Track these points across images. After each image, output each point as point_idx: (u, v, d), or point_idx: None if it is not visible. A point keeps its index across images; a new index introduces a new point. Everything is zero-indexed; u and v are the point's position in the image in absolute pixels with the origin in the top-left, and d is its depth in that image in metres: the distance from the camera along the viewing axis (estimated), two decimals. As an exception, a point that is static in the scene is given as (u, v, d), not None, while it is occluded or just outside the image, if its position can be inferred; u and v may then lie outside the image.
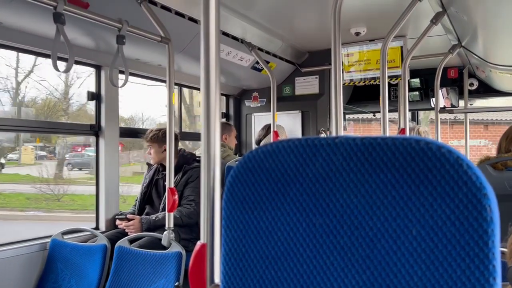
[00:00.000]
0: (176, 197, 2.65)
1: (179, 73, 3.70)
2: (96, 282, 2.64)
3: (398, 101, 4.25)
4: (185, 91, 8.03)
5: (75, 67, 3.36)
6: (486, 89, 4.66)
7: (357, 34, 3.73)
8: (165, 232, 2.63)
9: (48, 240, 2.83)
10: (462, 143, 4.69)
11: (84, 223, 3.25)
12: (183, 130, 4.33)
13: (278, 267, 0.74)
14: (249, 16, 3.33)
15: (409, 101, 4.30)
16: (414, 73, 4.71)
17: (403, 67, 2.99)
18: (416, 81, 4.74)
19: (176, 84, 3.89)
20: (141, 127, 8.28)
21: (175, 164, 3.18)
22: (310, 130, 4.47)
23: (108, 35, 2.62)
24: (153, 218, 3.07)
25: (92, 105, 3.26)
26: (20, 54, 2.80)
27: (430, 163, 0.61)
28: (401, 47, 3.80)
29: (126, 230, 3.03)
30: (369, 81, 4.07)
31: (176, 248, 2.57)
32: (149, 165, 3.50)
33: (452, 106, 4.56)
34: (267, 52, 3.98)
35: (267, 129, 4.09)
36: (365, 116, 6.65)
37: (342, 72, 4.05)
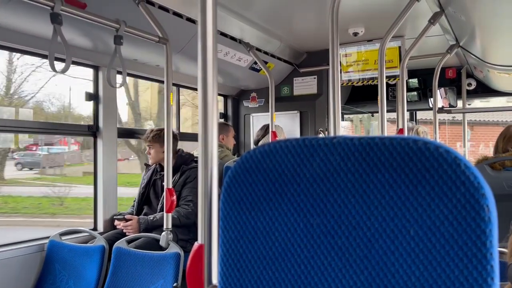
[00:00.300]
0: (174, 197, 2.64)
1: (177, 73, 3.69)
2: (94, 283, 2.64)
3: (396, 101, 4.26)
4: (131, 86, 7.77)
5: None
6: (484, 89, 4.67)
7: (355, 34, 3.73)
8: (163, 233, 2.62)
9: (46, 241, 2.82)
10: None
11: (9, 228, 3.14)
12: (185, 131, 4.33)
13: (275, 267, 0.74)
14: (247, 16, 3.33)
15: (407, 101, 4.30)
16: (412, 73, 4.72)
17: (401, 67, 2.99)
18: (414, 81, 4.74)
19: (174, 84, 3.89)
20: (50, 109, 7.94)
21: (173, 165, 3.18)
22: (309, 130, 4.48)
23: (106, 35, 2.62)
24: (151, 218, 3.07)
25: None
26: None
27: (428, 163, 0.61)
28: (399, 47, 3.81)
29: (124, 230, 3.03)
30: (367, 81, 4.07)
31: (174, 248, 2.56)
32: (147, 165, 3.50)
33: (450, 106, 4.57)
34: (265, 53, 3.98)
35: (265, 129, 4.09)
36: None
37: (340, 73, 4.05)
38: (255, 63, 3.95)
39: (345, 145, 0.68)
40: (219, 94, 4.71)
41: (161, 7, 2.76)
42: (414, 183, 0.62)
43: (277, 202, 0.74)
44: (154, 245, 2.72)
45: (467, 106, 4.74)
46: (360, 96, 5.08)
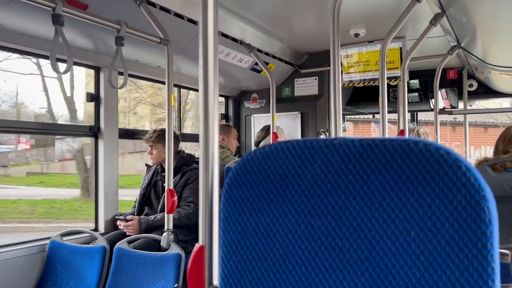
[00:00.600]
0: (175, 198, 2.64)
1: (179, 74, 3.69)
2: (95, 284, 2.64)
3: (397, 102, 4.25)
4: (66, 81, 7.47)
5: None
6: (486, 90, 4.67)
7: (356, 35, 3.73)
8: (164, 234, 2.62)
9: (47, 241, 2.82)
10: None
11: None
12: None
13: (276, 269, 0.74)
14: (248, 17, 3.33)
15: (408, 102, 4.30)
16: (413, 74, 4.71)
17: (402, 68, 2.99)
18: (415, 82, 4.74)
19: (175, 85, 3.89)
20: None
21: (174, 166, 3.18)
22: (310, 131, 4.47)
23: (107, 36, 2.62)
24: (152, 218, 3.07)
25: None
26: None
27: (429, 165, 0.61)
28: (400, 48, 3.80)
29: (125, 230, 3.03)
30: (369, 82, 4.07)
31: (175, 249, 2.56)
32: (148, 166, 3.50)
33: (452, 107, 4.57)
34: (266, 54, 3.98)
35: (266, 130, 4.09)
36: (365, 116, 6.64)
37: (341, 73, 4.05)
38: (256, 64, 3.95)
39: (345, 146, 0.68)
40: (220, 95, 4.71)
41: (162, 8, 2.76)
42: (414, 185, 0.62)
43: (277, 204, 0.74)
44: (155, 246, 2.72)
45: (468, 107, 4.74)
46: (361, 97, 5.08)
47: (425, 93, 4.74)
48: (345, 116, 5.51)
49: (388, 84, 3.81)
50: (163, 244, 2.61)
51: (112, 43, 2.43)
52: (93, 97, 3.22)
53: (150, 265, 2.58)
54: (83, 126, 3.26)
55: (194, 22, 3.02)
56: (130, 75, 3.17)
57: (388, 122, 2.61)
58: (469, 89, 4.63)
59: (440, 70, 3.73)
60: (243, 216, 0.77)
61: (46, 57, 2.67)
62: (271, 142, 3.76)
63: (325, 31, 2.10)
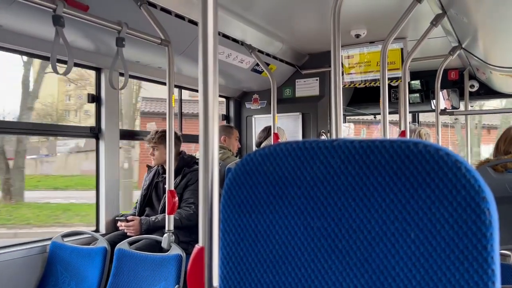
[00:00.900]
0: (176, 199, 2.64)
1: (180, 75, 3.70)
2: (96, 284, 2.64)
3: (398, 103, 4.25)
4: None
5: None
6: (487, 91, 4.66)
7: (357, 36, 3.73)
8: (165, 235, 2.62)
9: (48, 242, 2.82)
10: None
11: None
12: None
13: (276, 270, 0.74)
14: (249, 18, 3.33)
15: (409, 103, 4.30)
16: (414, 75, 4.71)
17: (403, 69, 2.99)
18: (416, 83, 4.73)
19: (176, 86, 3.89)
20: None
21: (175, 167, 3.18)
22: (311, 132, 4.47)
23: (108, 37, 2.62)
24: (153, 219, 3.07)
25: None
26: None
27: (428, 166, 0.61)
28: (401, 49, 3.80)
29: (126, 231, 3.03)
30: (370, 83, 4.07)
31: (176, 250, 2.56)
32: (149, 167, 3.50)
33: (453, 108, 4.56)
34: (267, 54, 3.98)
35: (267, 131, 4.08)
36: (367, 117, 6.64)
37: (342, 74, 4.05)
38: (257, 65, 3.95)
39: (345, 148, 0.67)
40: (221, 96, 4.72)
41: (163, 9, 2.76)
42: (414, 186, 0.62)
43: (277, 205, 0.74)
44: (156, 247, 2.72)
45: (470, 108, 4.73)
46: (363, 98, 5.08)
47: (427, 94, 4.74)
48: (346, 117, 5.51)
49: (389, 85, 3.81)
50: (163, 245, 2.61)
51: (113, 44, 2.43)
52: (94, 98, 3.22)
53: (151, 266, 2.58)
54: (84, 127, 3.26)
55: (195, 23, 3.02)
56: (131, 76, 3.17)
57: (390, 123, 2.61)
58: (471, 89, 4.62)
59: (441, 71, 3.72)
60: (243, 217, 0.77)
61: (47, 58, 2.67)
62: (272, 143, 3.76)
63: (326, 31, 2.09)
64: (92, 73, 3.23)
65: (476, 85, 4.65)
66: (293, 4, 3.05)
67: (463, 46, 3.42)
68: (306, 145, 0.71)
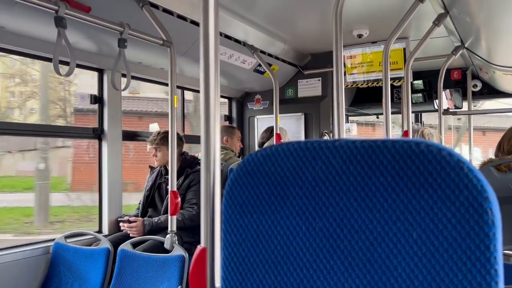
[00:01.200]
0: (179, 200, 2.64)
1: (182, 76, 3.70)
2: (99, 285, 2.64)
3: (401, 103, 4.24)
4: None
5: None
6: (490, 91, 4.65)
7: (360, 36, 3.72)
8: (167, 236, 2.62)
9: (51, 243, 2.83)
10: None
11: None
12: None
13: (278, 271, 0.74)
14: (251, 19, 3.33)
15: (412, 103, 4.28)
16: (417, 75, 4.70)
17: (406, 69, 2.98)
18: (419, 83, 4.72)
19: (178, 87, 3.90)
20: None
21: (178, 168, 3.18)
22: (313, 132, 4.47)
23: (110, 38, 2.63)
24: (156, 220, 3.07)
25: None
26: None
27: (431, 166, 0.60)
28: (404, 49, 3.79)
29: (129, 232, 3.03)
30: (372, 83, 4.06)
31: (178, 251, 2.56)
32: (151, 168, 3.50)
33: (456, 107, 4.55)
34: (270, 55, 3.98)
35: (270, 131, 4.08)
36: (369, 119, 6.63)
37: (345, 74, 4.04)
38: (259, 65, 3.95)
39: (347, 148, 0.67)
40: (224, 97, 4.72)
41: (165, 10, 2.76)
42: (416, 186, 0.62)
43: (279, 205, 0.73)
44: (158, 247, 2.72)
45: (473, 108, 4.71)
46: (365, 98, 5.07)
47: (429, 94, 4.73)
48: (349, 117, 5.50)
49: (392, 85, 3.80)
50: (166, 246, 2.61)
51: (115, 45, 2.43)
52: (97, 99, 3.23)
53: (153, 267, 2.58)
54: (86, 128, 3.26)
55: (197, 24, 3.02)
56: (133, 77, 3.17)
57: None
58: (474, 89, 4.61)
59: (444, 71, 3.71)
60: (244, 218, 0.77)
61: (49, 60, 2.68)
62: (274, 143, 3.75)
63: (328, 32, 2.09)
64: (38, 67, 3.17)
65: (479, 85, 4.63)
66: (295, 5, 3.05)
67: (465, 45, 3.41)
68: (308, 145, 0.71)
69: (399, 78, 3.85)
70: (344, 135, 2.04)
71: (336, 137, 1.96)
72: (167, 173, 3.25)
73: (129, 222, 3.06)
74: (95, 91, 3.24)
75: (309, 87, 4.55)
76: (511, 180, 2.47)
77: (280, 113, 3.88)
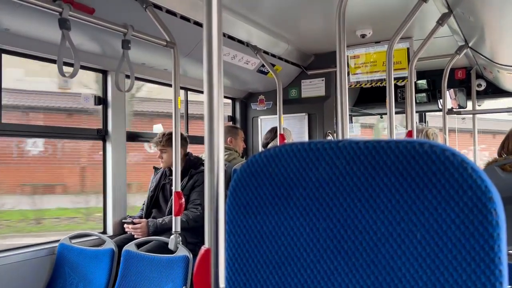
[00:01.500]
0: (183, 201, 2.64)
1: (186, 77, 3.70)
2: (103, 286, 2.65)
3: (405, 103, 4.23)
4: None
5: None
6: (494, 90, 4.63)
7: (363, 36, 3.72)
8: (171, 236, 2.63)
9: (56, 244, 2.84)
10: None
11: None
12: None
13: (282, 272, 0.74)
14: (254, 19, 3.33)
15: (416, 102, 4.27)
16: (421, 75, 4.68)
17: (409, 68, 2.98)
18: (423, 83, 4.71)
19: (182, 88, 3.90)
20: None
21: (182, 168, 3.18)
22: (317, 132, 4.46)
23: (114, 40, 2.63)
24: (160, 221, 3.08)
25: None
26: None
27: (434, 167, 0.60)
28: (408, 48, 3.78)
29: (133, 233, 3.04)
30: (376, 83, 4.05)
31: (183, 252, 2.57)
32: (155, 168, 3.50)
33: (460, 107, 4.53)
34: (273, 55, 3.98)
35: (274, 132, 4.08)
36: (373, 121, 6.62)
37: (348, 74, 4.04)
38: (263, 65, 3.95)
39: (350, 148, 0.67)
40: (227, 97, 4.72)
41: (169, 11, 2.77)
42: (420, 187, 0.61)
43: (282, 206, 0.73)
44: (163, 248, 2.73)
45: (477, 108, 4.69)
46: (369, 97, 5.06)
47: (433, 94, 4.71)
48: (353, 117, 5.49)
49: (396, 85, 3.79)
50: (170, 246, 2.61)
51: (119, 46, 2.44)
52: (101, 100, 3.24)
53: (158, 268, 2.59)
54: (91, 129, 3.27)
55: (200, 25, 3.02)
56: (137, 78, 3.18)
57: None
58: (478, 89, 4.59)
59: (448, 70, 3.70)
60: (248, 219, 0.77)
61: (53, 61, 2.69)
62: (278, 144, 3.75)
63: (332, 32, 2.09)
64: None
65: (484, 84, 4.61)
66: (298, 5, 3.05)
67: (469, 45, 3.40)
68: (312, 146, 0.71)
69: (403, 78, 3.84)
70: (348, 135, 2.04)
71: (340, 137, 1.96)
72: (171, 174, 3.25)
73: (133, 223, 3.06)
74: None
75: (312, 87, 4.55)
76: (516, 180, 2.46)
77: (283, 113, 3.88)
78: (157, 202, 3.37)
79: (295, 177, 0.72)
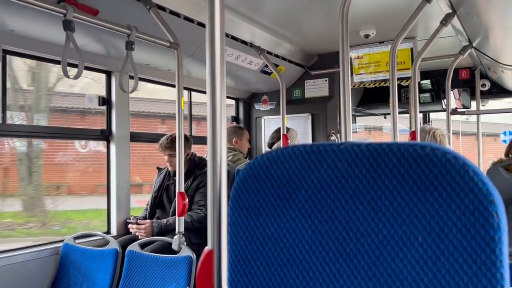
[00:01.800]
0: (186, 201, 2.65)
1: (189, 78, 3.71)
2: (107, 286, 2.66)
3: (409, 103, 4.22)
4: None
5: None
6: (499, 90, 4.61)
7: (367, 36, 3.71)
8: (175, 237, 2.63)
9: (61, 244, 2.85)
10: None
11: None
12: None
13: (284, 274, 0.74)
14: (257, 20, 3.33)
15: (420, 102, 4.26)
16: (425, 75, 4.67)
17: (413, 68, 2.97)
18: (427, 83, 4.70)
19: (185, 88, 3.91)
20: None
21: (186, 169, 3.18)
22: (320, 133, 4.46)
23: (118, 41, 2.64)
24: (164, 222, 3.08)
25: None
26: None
27: (436, 169, 0.60)
28: (411, 48, 3.78)
29: (137, 234, 3.04)
30: (379, 83, 4.04)
31: (186, 252, 2.57)
32: (159, 169, 3.50)
33: (464, 107, 4.51)
34: (276, 56, 3.98)
35: (280, 132, 4.07)
36: (376, 124, 6.61)
37: (352, 75, 4.03)
38: (266, 66, 3.95)
39: (352, 151, 0.67)
40: (231, 97, 4.72)
41: (172, 12, 2.78)
42: (422, 190, 0.62)
43: (284, 209, 0.74)
44: (166, 248, 2.73)
45: (482, 108, 4.68)
46: (373, 98, 5.05)
47: (437, 94, 4.70)
48: (356, 118, 5.48)
49: (399, 85, 3.79)
50: (174, 247, 2.62)
51: (123, 47, 2.44)
52: (105, 101, 3.25)
53: (161, 268, 2.60)
54: (95, 130, 3.29)
55: (203, 26, 3.02)
56: (141, 79, 3.18)
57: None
58: (482, 89, 4.57)
59: (452, 70, 3.69)
60: (250, 220, 0.77)
61: (57, 62, 2.70)
62: (285, 143, 3.75)
63: (335, 32, 2.09)
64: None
65: (488, 84, 4.60)
66: (302, 5, 3.05)
67: (473, 45, 3.39)
68: (313, 149, 0.71)
69: (407, 78, 3.83)
70: (351, 136, 2.04)
71: (344, 137, 1.97)
72: (175, 175, 3.25)
73: (138, 224, 3.07)
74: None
75: (316, 88, 4.54)
76: (520, 181, 2.45)
77: (287, 113, 3.88)
78: (161, 202, 3.37)
79: (297, 179, 0.73)
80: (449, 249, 0.60)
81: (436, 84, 4.69)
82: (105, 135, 3.23)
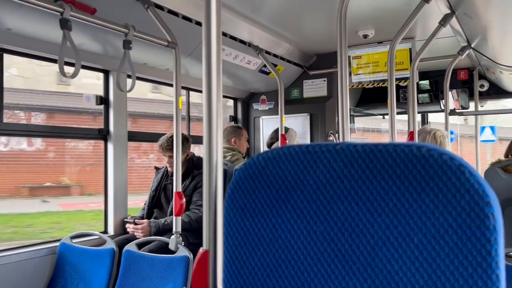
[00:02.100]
0: (184, 201, 2.64)
1: (188, 77, 3.70)
2: (104, 286, 2.65)
3: (407, 103, 4.22)
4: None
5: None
6: (497, 91, 4.61)
7: (365, 36, 3.71)
8: (172, 236, 2.63)
9: (57, 244, 2.84)
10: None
11: None
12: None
13: (279, 274, 0.73)
14: (256, 19, 3.33)
15: (418, 103, 4.26)
16: (423, 75, 4.67)
17: (411, 69, 2.97)
18: (425, 83, 4.70)
19: (183, 88, 3.90)
20: None
21: (184, 169, 3.17)
22: (319, 133, 4.45)
23: (115, 40, 2.64)
24: (162, 222, 3.07)
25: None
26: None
27: (432, 170, 0.60)
28: (410, 49, 3.78)
29: (135, 233, 3.04)
30: (378, 84, 4.04)
31: (183, 252, 2.57)
32: (156, 168, 3.50)
33: (462, 108, 4.52)
34: (275, 55, 3.97)
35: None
36: (375, 126, 6.62)
37: (350, 75, 4.03)
38: (265, 66, 3.95)
39: (348, 152, 0.67)
40: (229, 97, 4.72)
41: (170, 11, 2.77)
42: (418, 191, 0.61)
43: (280, 209, 0.73)
44: (164, 248, 2.73)
45: (480, 108, 4.68)
46: (371, 98, 5.05)
47: (436, 94, 4.70)
48: (355, 118, 5.48)
49: (398, 85, 3.78)
50: (171, 246, 2.61)
51: (120, 46, 2.44)
52: (102, 100, 3.24)
53: (158, 268, 2.59)
54: (92, 129, 3.28)
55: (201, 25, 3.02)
56: (138, 78, 3.18)
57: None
58: (480, 89, 4.58)
59: (451, 71, 3.69)
60: (246, 221, 0.77)
61: (54, 61, 2.69)
62: (283, 143, 3.74)
63: (334, 32, 2.08)
64: None
65: (486, 85, 4.60)
66: (300, 5, 3.05)
67: (472, 45, 3.39)
68: (309, 149, 0.71)
69: (405, 79, 3.83)
70: (349, 136, 2.04)
71: (342, 137, 1.96)
72: (173, 175, 3.24)
73: (135, 223, 3.06)
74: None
75: (314, 88, 4.54)
76: (518, 182, 2.45)
77: (285, 113, 3.87)
78: (158, 202, 3.37)
79: (293, 180, 0.72)
80: (444, 251, 0.59)
81: (435, 84, 4.69)
82: (103, 135, 3.23)
